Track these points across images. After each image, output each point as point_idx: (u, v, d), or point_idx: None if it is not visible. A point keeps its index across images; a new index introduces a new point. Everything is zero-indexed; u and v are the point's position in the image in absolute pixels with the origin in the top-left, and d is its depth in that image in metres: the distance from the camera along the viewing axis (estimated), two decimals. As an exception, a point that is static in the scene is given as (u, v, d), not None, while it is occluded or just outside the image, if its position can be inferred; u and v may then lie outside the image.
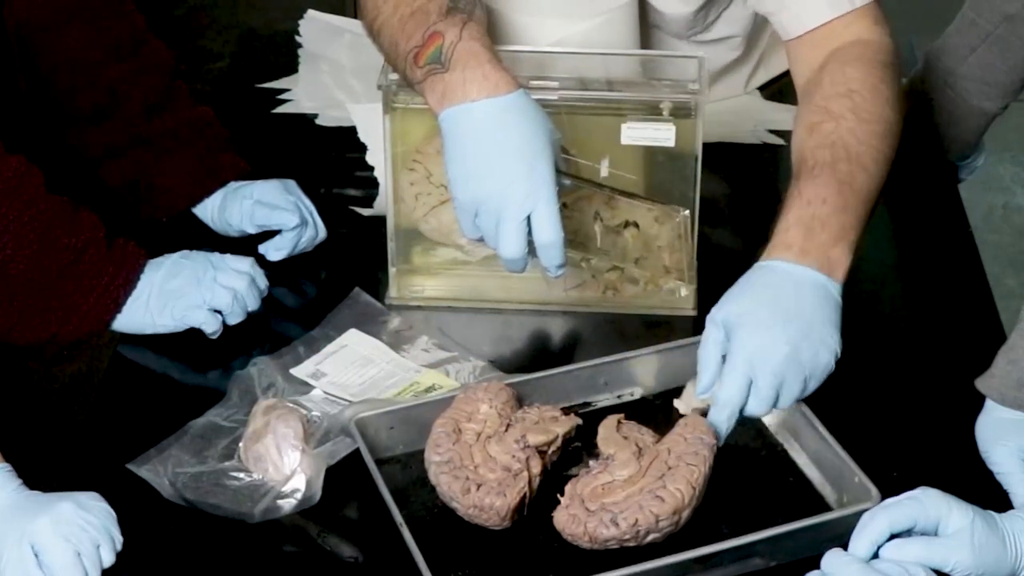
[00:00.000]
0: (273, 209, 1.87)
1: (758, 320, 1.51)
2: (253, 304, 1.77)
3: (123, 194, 1.90)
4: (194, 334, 1.75)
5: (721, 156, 1.99)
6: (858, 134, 1.64)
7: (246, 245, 1.87)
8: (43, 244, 1.69)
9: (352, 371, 1.71)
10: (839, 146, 1.63)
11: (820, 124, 1.65)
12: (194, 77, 3.91)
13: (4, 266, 1.67)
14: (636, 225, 1.77)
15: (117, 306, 1.73)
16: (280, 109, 2.18)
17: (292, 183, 1.92)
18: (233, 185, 1.91)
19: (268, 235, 1.89)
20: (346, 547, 1.51)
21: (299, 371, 1.71)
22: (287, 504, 1.53)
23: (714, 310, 1.56)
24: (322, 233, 1.91)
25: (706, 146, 1.75)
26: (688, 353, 1.59)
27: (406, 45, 1.66)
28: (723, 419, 1.51)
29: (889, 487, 1.45)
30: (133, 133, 1.89)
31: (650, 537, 1.44)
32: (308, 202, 1.90)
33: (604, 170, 1.75)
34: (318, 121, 2.15)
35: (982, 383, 1.58)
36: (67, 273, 1.70)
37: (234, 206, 1.90)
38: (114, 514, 1.44)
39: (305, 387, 1.69)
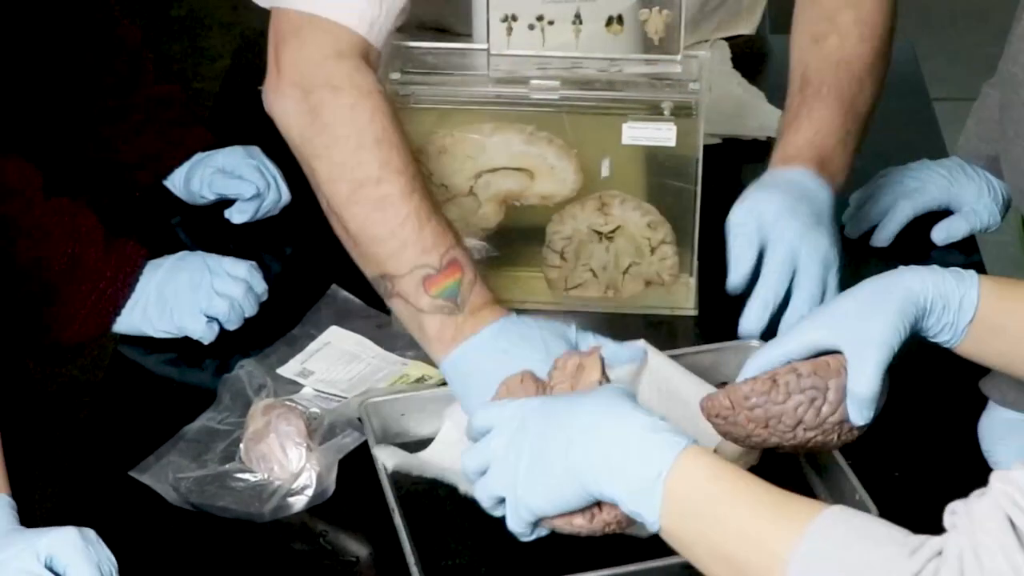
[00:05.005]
0: (231, 177, 1.90)
1: (797, 212, 1.50)
2: (251, 310, 1.77)
3: (94, 171, 1.92)
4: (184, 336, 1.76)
5: (723, 158, 1.99)
6: (862, 54, 1.68)
7: (247, 246, 1.87)
8: (42, 248, 1.69)
9: (339, 367, 1.72)
10: (843, 68, 1.67)
11: (825, 37, 1.69)
12: (194, 77, 3.93)
13: (2, 270, 1.67)
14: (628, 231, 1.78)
15: (116, 310, 1.73)
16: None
17: (256, 149, 1.94)
18: (200, 155, 1.93)
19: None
20: (355, 541, 1.52)
21: (286, 370, 1.71)
22: (299, 501, 1.53)
23: (737, 205, 1.58)
24: (286, 196, 1.93)
25: (708, 148, 1.75)
26: (696, 360, 1.60)
27: (394, 249, 1.54)
28: (762, 315, 1.54)
29: (890, 488, 1.45)
30: (102, 111, 1.91)
31: None
32: (272, 167, 1.92)
33: (605, 170, 1.76)
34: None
35: (985, 384, 1.58)
36: (65, 278, 1.70)
37: (196, 173, 1.93)
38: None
39: (294, 386, 1.69)
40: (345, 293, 1.82)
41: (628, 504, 1.21)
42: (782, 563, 1.11)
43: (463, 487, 1.48)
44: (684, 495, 1.18)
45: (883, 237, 1.91)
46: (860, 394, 1.33)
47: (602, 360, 1.42)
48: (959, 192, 1.91)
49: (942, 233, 1.91)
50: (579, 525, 1.29)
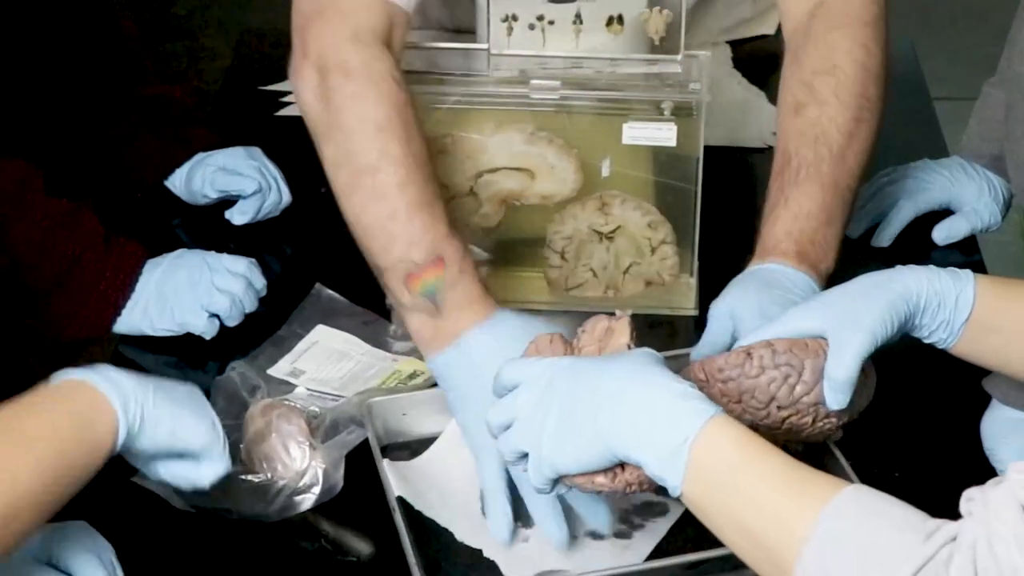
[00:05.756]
0: (233, 175, 1.90)
1: (768, 313, 1.51)
2: (251, 306, 1.77)
3: (95, 171, 1.92)
4: (177, 337, 1.76)
5: (724, 158, 2.00)
6: (840, 123, 1.65)
7: (247, 247, 1.87)
8: (42, 250, 1.69)
9: (329, 366, 1.72)
10: (822, 143, 1.63)
11: (805, 107, 1.66)
12: (194, 77, 3.93)
13: (2, 272, 1.67)
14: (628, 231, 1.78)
15: (116, 310, 1.73)
16: (283, 112, 2.18)
17: (257, 150, 1.95)
18: (200, 155, 1.94)
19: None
20: (357, 539, 1.52)
21: (276, 371, 1.72)
22: (306, 499, 1.53)
23: (717, 300, 1.57)
24: (286, 198, 1.94)
25: (710, 149, 1.75)
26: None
27: (384, 242, 1.54)
28: None
29: (890, 488, 1.45)
30: (103, 111, 1.91)
31: None
32: (273, 168, 1.93)
33: (606, 170, 1.76)
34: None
35: (988, 383, 1.58)
36: (65, 278, 1.70)
37: (198, 172, 1.93)
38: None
39: (287, 386, 1.69)
40: (329, 292, 1.83)
41: (653, 468, 1.21)
42: (799, 541, 1.12)
43: (459, 533, 1.50)
44: (708, 464, 1.19)
45: (884, 237, 1.91)
46: (836, 377, 1.33)
47: (631, 324, 1.43)
48: (960, 192, 1.91)
49: (943, 233, 1.91)
50: (601, 484, 1.29)
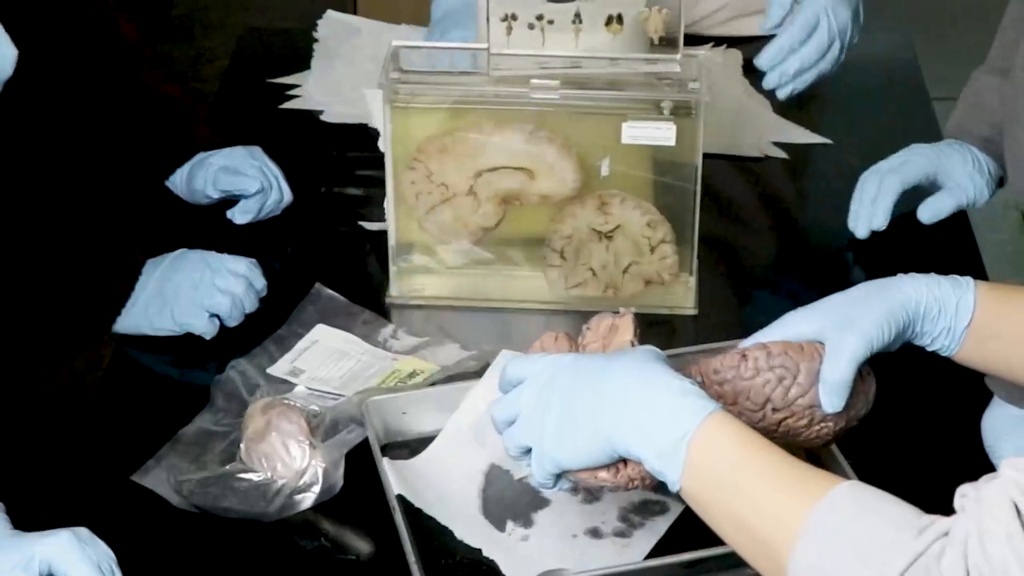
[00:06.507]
0: (235, 175, 1.90)
1: None
2: (251, 307, 1.77)
3: (95, 171, 1.92)
4: (177, 337, 1.76)
5: (723, 165, 2.00)
6: None
7: (248, 246, 1.87)
8: (41, 249, 1.69)
9: (329, 365, 1.72)
10: None
11: None
12: (194, 77, 3.93)
13: (2, 271, 1.67)
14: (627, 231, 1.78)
15: (116, 310, 1.73)
16: (287, 104, 2.19)
17: (258, 149, 1.95)
18: (201, 155, 1.94)
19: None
20: (357, 538, 1.52)
21: (276, 370, 1.72)
22: (306, 498, 1.53)
23: None
24: (287, 197, 1.93)
25: (707, 156, 1.75)
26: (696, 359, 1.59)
27: None
28: (775, 56, 1.91)
29: (890, 485, 1.45)
30: (103, 111, 1.91)
31: None
32: (274, 167, 1.93)
33: (605, 169, 1.76)
34: (323, 117, 2.15)
35: (991, 380, 1.58)
36: (65, 278, 1.70)
37: (199, 172, 1.93)
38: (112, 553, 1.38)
39: (287, 385, 1.69)
40: (329, 291, 1.83)
41: (652, 463, 1.22)
42: (794, 536, 1.12)
43: (459, 532, 1.49)
44: (707, 460, 1.20)
45: (879, 217, 1.89)
46: (831, 380, 1.34)
47: (635, 321, 1.43)
48: (945, 163, 1.89)
49: (929, 211, 1.89)
50: (603, 479, 1.30)
